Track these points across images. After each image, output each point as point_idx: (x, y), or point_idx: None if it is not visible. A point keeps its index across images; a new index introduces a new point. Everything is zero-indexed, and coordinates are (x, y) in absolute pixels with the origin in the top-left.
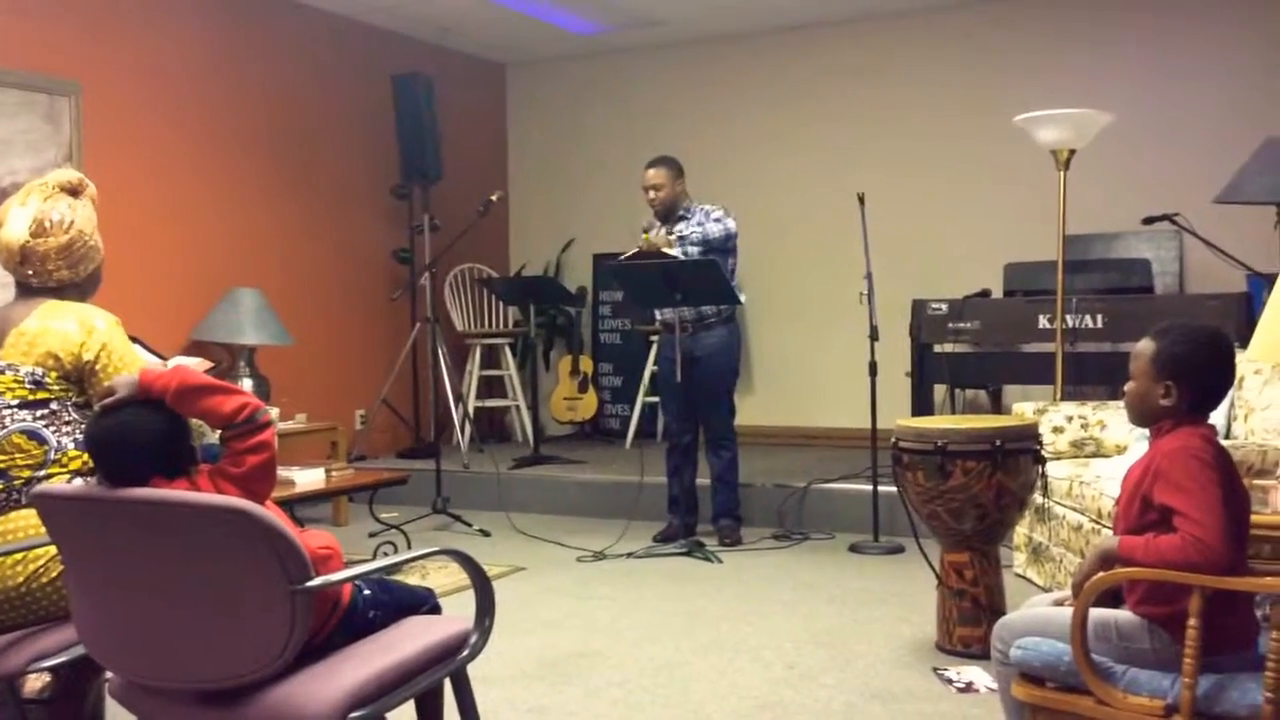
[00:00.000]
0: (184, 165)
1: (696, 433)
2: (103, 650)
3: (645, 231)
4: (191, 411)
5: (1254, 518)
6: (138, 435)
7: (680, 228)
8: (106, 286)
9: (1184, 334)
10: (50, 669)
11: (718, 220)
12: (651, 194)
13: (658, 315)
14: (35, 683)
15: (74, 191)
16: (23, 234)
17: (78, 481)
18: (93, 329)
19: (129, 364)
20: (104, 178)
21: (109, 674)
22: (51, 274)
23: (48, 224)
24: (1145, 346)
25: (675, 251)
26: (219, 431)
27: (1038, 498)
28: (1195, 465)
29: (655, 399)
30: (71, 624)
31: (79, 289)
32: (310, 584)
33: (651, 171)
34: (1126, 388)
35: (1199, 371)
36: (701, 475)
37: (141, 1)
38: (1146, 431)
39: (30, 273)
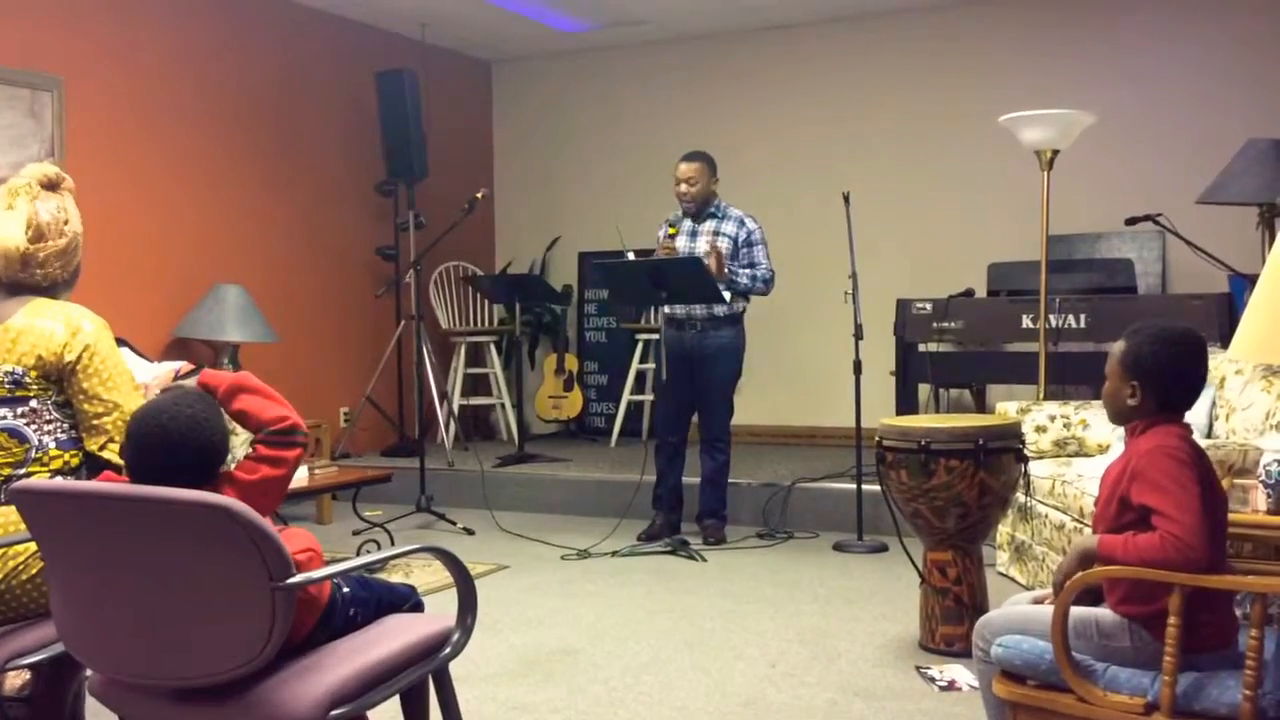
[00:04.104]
0: (167, 160)
1: (687, 431)
2: (83, 647)
3: (672, 227)
4: (236, 406)
5: (1235, 516)
6: (196, 436)
7: (709, 225)
8: (89, 283)
9: (1151, 335)
10: (30, 666)
11: (765, 281)
12: (685, 188)
13: (665, 311)
14: (15, 680)
15: (52, 186)
16: (20, 240)
17: (57, 480)
18: (78, 330)
19: (112, 368)
20: (86, 172)
21: (89, 671)
22: (48, 275)
23: (44, 228)
24: (1117, 346)
25: (702, 243)
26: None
27: (1020, 497)
28: (1172, 464)
29: (640, 397)
30: (51, 621)
31: (67, 285)
32: (291, 581)
33: (685, 165)
34: (1104, 387)
35: (1163, 372)
36: (689, 474)
37: None
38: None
39: (25, 275)
